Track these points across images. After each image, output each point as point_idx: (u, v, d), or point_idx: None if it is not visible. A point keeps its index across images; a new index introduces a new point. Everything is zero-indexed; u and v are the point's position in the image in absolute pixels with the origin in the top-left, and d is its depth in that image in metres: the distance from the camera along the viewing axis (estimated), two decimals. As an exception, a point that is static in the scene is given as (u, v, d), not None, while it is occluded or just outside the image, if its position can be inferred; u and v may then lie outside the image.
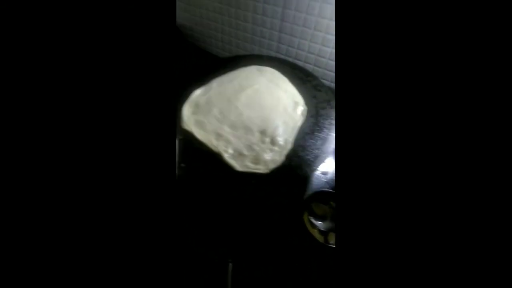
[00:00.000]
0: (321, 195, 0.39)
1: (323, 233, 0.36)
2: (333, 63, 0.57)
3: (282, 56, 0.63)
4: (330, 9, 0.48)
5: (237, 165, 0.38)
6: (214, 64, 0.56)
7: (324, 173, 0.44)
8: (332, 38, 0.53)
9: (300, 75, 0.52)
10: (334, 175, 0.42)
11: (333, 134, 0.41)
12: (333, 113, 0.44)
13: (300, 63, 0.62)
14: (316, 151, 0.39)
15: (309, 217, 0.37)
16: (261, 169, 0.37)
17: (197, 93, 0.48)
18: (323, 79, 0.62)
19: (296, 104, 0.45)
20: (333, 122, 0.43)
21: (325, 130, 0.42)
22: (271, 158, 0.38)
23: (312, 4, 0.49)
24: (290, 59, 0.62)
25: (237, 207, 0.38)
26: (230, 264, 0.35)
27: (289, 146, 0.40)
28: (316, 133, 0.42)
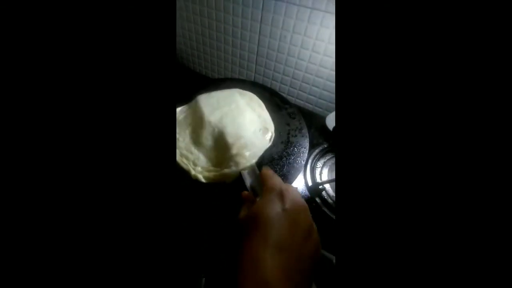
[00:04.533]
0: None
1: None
2: (306, 85, 0.61)
3: (261, 77, 0.67)
4: (300, 39, 0.52)
5: (203, 179, 0.41)
6: (199, 84, 0.58)
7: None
8: (303, 63, 0.56)
9: (277, 102, 0.54)
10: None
11: (301, 162, 0.44)
12: (303, 141, 0.47)
13: (277, 84, 0.66)
14: (282, 177, 0.43)
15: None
16: (226, 180, 0.40)
17: (177, 110, 0.51)
18: (299, 99, 0.65)
19: (266, 130, 0.48)
20: (302, 150, 0.46)
21: (292, 157, 0.45)
22: (232, 171, 0.40)
23: (284, 33, 0.53)
24: (269, 81, 0.66)
25: (206, 221, 0.40)
26: (203, 279, 0.36)
27: (253, 161, 0.42)
28: (284, 160, 0.45)
